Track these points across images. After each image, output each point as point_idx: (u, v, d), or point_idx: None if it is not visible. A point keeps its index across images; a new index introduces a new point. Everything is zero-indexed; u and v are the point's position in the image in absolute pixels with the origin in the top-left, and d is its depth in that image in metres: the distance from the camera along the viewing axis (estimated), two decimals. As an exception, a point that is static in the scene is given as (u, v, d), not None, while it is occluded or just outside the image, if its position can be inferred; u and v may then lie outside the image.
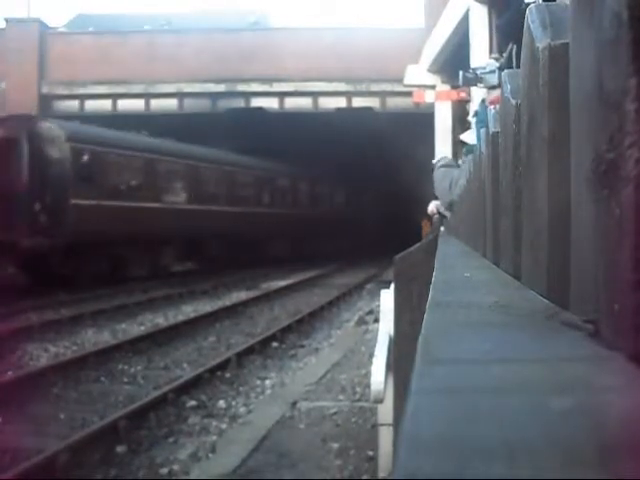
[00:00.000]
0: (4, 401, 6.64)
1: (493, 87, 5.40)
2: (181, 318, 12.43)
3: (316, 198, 31.13)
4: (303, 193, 30.28)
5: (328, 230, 30.37)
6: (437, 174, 4.53)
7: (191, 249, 22.13)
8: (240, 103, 24.32)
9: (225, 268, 22.21)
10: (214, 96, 24.18)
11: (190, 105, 24.59)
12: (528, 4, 2.60)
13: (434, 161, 5.50)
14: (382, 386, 4.04)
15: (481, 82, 5.31)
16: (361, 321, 12.38)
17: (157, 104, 24.32)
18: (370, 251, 29.17)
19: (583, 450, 0.27)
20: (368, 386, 4.82)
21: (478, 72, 5.13)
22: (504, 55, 5.63)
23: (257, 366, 9.01)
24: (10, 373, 7.89)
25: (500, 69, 3.16)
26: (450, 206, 3.90)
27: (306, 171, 29.35)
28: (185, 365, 8.91)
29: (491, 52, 8.93)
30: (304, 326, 12.04)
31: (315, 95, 23.72)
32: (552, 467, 0.26)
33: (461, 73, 6.66)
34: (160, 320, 12.46)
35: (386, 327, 4.59)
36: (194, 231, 21.09)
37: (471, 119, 8.70)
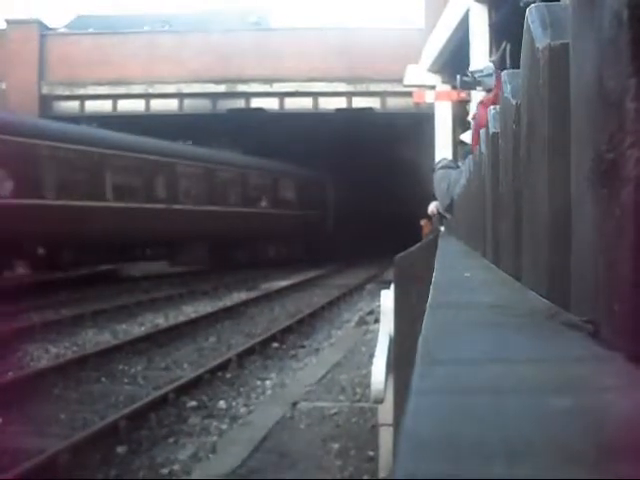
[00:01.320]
0: (5, 402, 6.64)
1: (491, 90, 5.39)
2: (182, 319, 12.43)
3: (256, 193, 25.62)
4: (232, 186, 24.37)
5: (278, 233, 25.95)
6: (436, 175, 4.53)
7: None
8: (240, 103, 24.33)
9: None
10: (214, 96, 24.21)
11: (190, 106, 24.62)
12: (527, 3, 2.60)
13: (435, 162, 5.51)
14: (382, 386, 4.04)
15: (479, 85, 5.31)
16: (361, 321, 12.38)
17: (157, 105, 24.34)
18: (363, 253, 28.37)
19: (583, 450, 0.27)
20: (368, 386, 4.82)
21: (476, 75, 5.12)
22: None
23: (257, 367, 9.01)
24: (11, 374, 7.89)
25: (496, 69, 3.16)
26: (449, 207, 3.90)
27: (239, 160, 24.68)
28: (185, 365, 8.91)
29: (491, 53, 8.93)
30: (304, 327, 12.04)
31: (315, 95, 23.73)
32: (552, 467, 0.26)
33: (458, 77, 6.64)
34: (160, 320, 12.47)
35: (386, 327, 4.59)
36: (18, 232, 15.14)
37: (471, 120, 8.70)
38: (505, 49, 2.82)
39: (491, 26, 2.96)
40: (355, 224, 30.88)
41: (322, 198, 29.97)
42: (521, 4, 2.49)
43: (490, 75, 5.19)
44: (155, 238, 20.24)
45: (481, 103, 3.58)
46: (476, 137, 3.44)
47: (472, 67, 7.92)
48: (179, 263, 21.95)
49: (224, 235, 22.87)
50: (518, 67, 1.04)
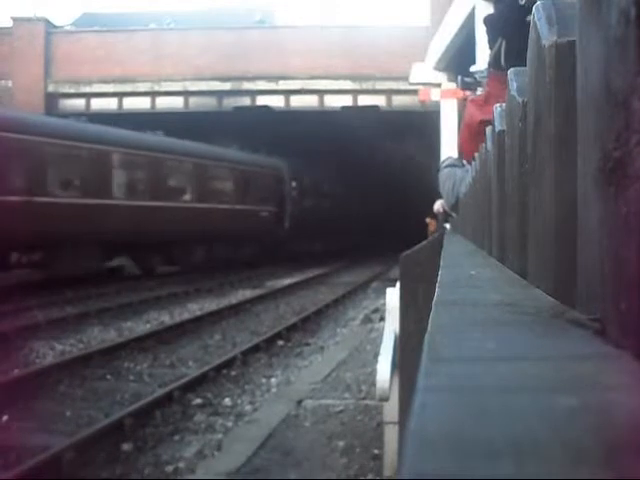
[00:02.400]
0: (10, 399, 6.66)
1: None
2: (187, 316, 12.46)
3: (174, 184, 21.44)
4: (136, 174, 19.85)
5: (209, 233, 21.44)
6: (442, 174, 4.53)
7: None
8: (246, 101, 24.34)
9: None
10: (220, 94, 24.21)
11: (196, 103, 24.63)
12: (528, 1, 2.58)
13: (441, 161, 5.49)
14: (387, 384, 4.04)
15: (480, 86, 5.30)
16: (367, 319, 12.38)
17: (163, 102, 24.36)
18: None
19: (590, 449, 0.27)
20: (373, 384, 4.82)
21: (477, 76, 5.10)
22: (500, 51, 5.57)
23: (263, 364, 9.02)
24: (16, 371, 7.92)
25: (489, 67, 3.14)
26: (454, 206, 3.89)
27: (150, 142, 20.15)
28: (191, 363, 8.93)
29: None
30: (310, 324, 12.05)
31: (321, 93, 23.71)
32: (560, 466, 0.26)
33: (459, 78, 6.62)
34: (166, 318, 12.49)
35: (392, 325, 4.59)
36: None
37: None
38: (500, 47, 2.79)
39: (484, 21, 2.91)
40: (338, 224, 28.31)
41: (277, 192, 25.55)
42: (521, 2, 2.47)
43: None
44: (17, 239, 14.95)
45: (472, 100, 3.56)
46: (464, 134, 3.42)
47: (477, 65, 7.90)
48: (59, 271, 16.69)
49: (124, 234, 18.12)
50: (513, 65, 1.04)
